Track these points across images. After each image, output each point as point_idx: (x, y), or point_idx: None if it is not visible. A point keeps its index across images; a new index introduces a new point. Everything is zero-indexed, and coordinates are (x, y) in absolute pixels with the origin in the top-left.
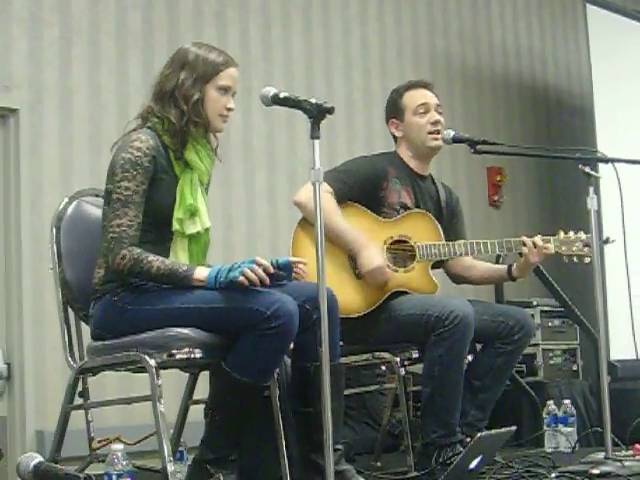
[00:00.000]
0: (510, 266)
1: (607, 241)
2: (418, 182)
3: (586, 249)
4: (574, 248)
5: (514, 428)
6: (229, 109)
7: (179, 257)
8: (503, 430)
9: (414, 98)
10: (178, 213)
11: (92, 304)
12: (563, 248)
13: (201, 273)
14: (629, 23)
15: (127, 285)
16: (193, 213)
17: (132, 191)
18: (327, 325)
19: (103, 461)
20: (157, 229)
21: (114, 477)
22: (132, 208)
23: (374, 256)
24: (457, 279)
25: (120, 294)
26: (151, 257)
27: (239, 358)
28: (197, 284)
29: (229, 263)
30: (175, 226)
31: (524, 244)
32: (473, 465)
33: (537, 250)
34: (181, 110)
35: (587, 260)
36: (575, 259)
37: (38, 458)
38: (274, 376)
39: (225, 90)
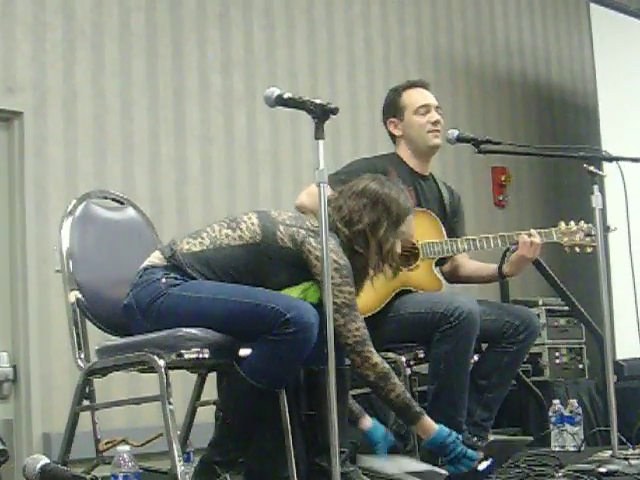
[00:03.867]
0: (501, 265)
1: (609, 229)
2: (419, 182)
3: (588, 239)
4: (576, 238)
5: (530, 439)
6: (398, 255)
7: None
8: (517, 438)
9: (415, 97)
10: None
11: (142, 270)
12: (565, 239)
13: (430, 425)
14: (633, 22)
15: (181, 272)
16: None
17: (355, 294)
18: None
19: (109, 463)
20: (249, 283)
21: (120, 479)
22: (358, 308)
23: None
24: (451, 278)
25: (169, 277)
26: (395, 380)
27: (254, 363)
28: (422, 430)
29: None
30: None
31: (517, 243)
32: (481, 468)
33: (533, 247)
34: (367, 248)
35: (589, 249)
36: (577, 249)
37: (44, 460)
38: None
39: (402, 236)
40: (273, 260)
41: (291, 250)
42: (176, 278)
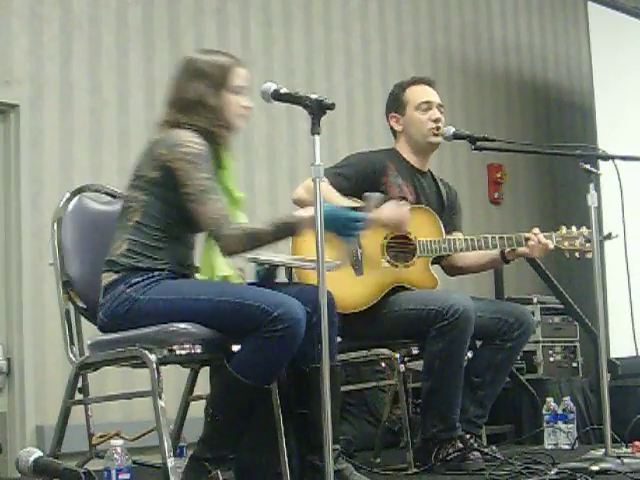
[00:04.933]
0: (503, 250)
1: (609, 237)
2: (418, 177)
3: (588, 244)
4: (576, 243)
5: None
6: (247, 107)
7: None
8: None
9: (417, 94)
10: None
11: (103, 291)
12: (565, 243)
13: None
14: (630, 20)
15: (140, 272)
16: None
17: (210, 179)
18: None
19: (103, 457)
20: (185, 224)
21: (113, 472)
22: (217, 192)
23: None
24: (450, 270)
25: (133, 285)
26: (260, 228)
27: (243, 360)
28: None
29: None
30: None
31: (527, 239)
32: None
33: (541, 246)
34: (208, 118)
35: (589, 255)
36: (577, 254)
37: (37, 453)
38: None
39: (239, 90)
40: (172, 199)
41: (165, 175)
42: (141, 280)
